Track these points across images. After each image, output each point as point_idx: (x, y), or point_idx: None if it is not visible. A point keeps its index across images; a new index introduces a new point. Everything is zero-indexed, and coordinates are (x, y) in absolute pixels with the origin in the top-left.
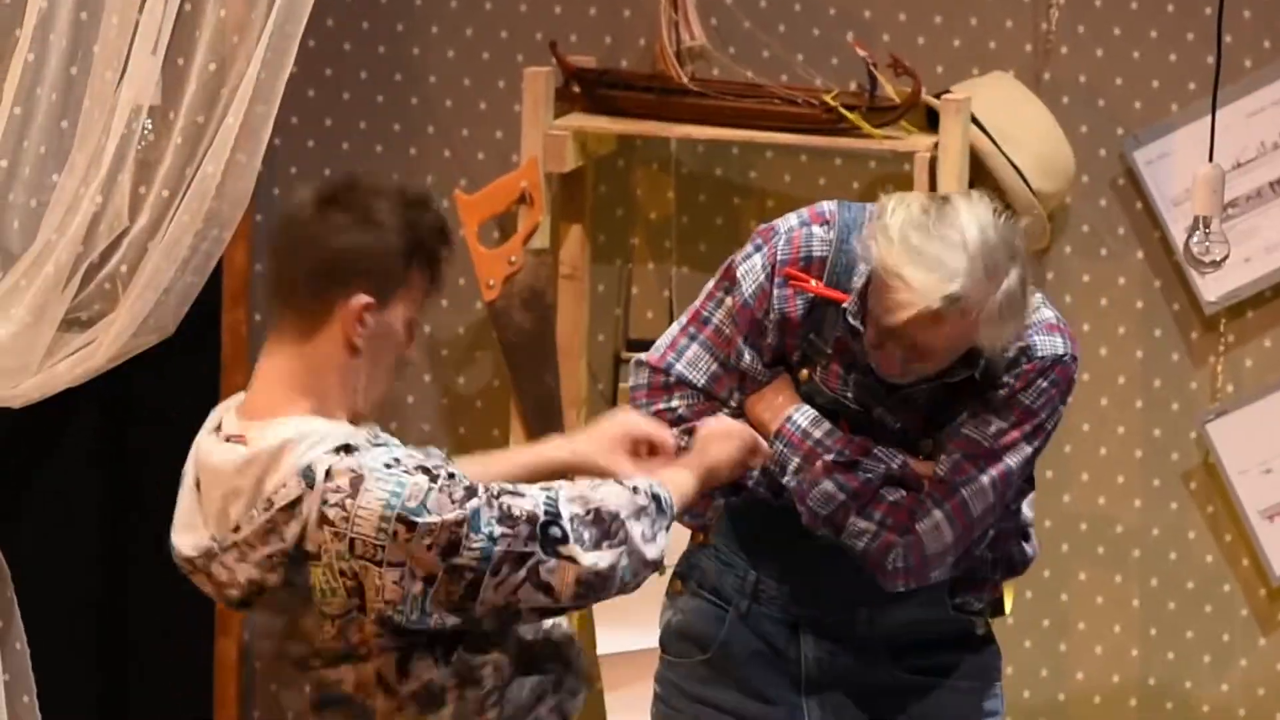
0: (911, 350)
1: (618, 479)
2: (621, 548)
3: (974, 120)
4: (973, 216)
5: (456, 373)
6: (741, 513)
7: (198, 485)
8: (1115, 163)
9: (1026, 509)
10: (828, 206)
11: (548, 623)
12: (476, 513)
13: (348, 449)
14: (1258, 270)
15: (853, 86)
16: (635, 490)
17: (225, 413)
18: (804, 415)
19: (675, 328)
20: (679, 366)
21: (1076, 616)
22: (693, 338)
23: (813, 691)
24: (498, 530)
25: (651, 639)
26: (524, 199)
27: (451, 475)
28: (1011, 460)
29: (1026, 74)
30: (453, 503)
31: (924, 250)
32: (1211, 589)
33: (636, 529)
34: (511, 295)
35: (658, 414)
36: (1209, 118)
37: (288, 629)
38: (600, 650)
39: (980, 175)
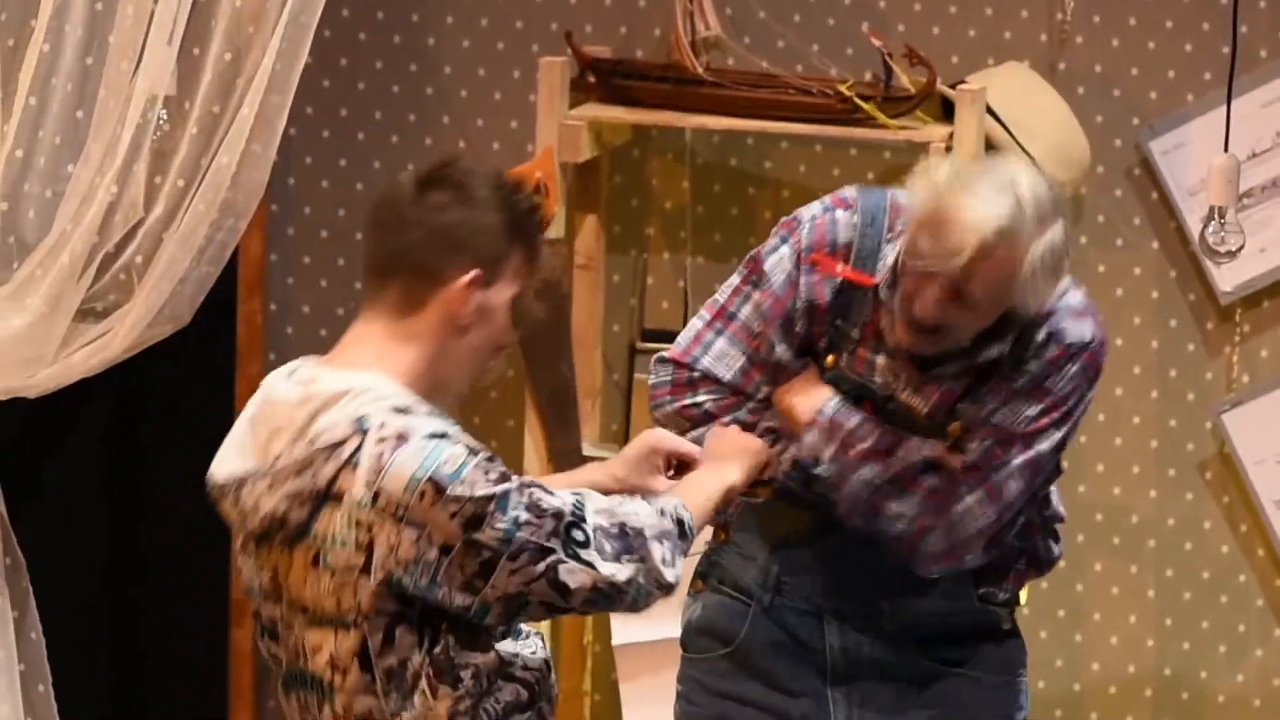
0: (953, 296)
1: (648, 498)
2: (640, 565)
3: (989, 110)
4: (1021, 168)
5: None
6: (761, 507)
7: (253, 421)
8: (1130, 153)
9: (1058, 504)
10: (850, 192)
11: (528, 648)
12: (506, 495)
13: (405, 410)
14: (1273, 260)
15: (868, 77)
16: (662, 512)
17: (304, 362)
18: (835, 406)
19: (698, 323)
20: (705, 361)
21: (1092, 607)
22: (719, 332)
23: (839, 682)
24: (524, 517)
25: (667, 630)
26: (539, 189)
27: (491, 458)
28: (1042, 446)
29: (1042, 64)
30: (486, 479)
31: (975, 188)
32: (1227, 579)
33: (657, 550)
34: (527, 286)
35: (682, 410)
36: (1224, 108)
37: (286, 578)
38: (615, 641)
39: None
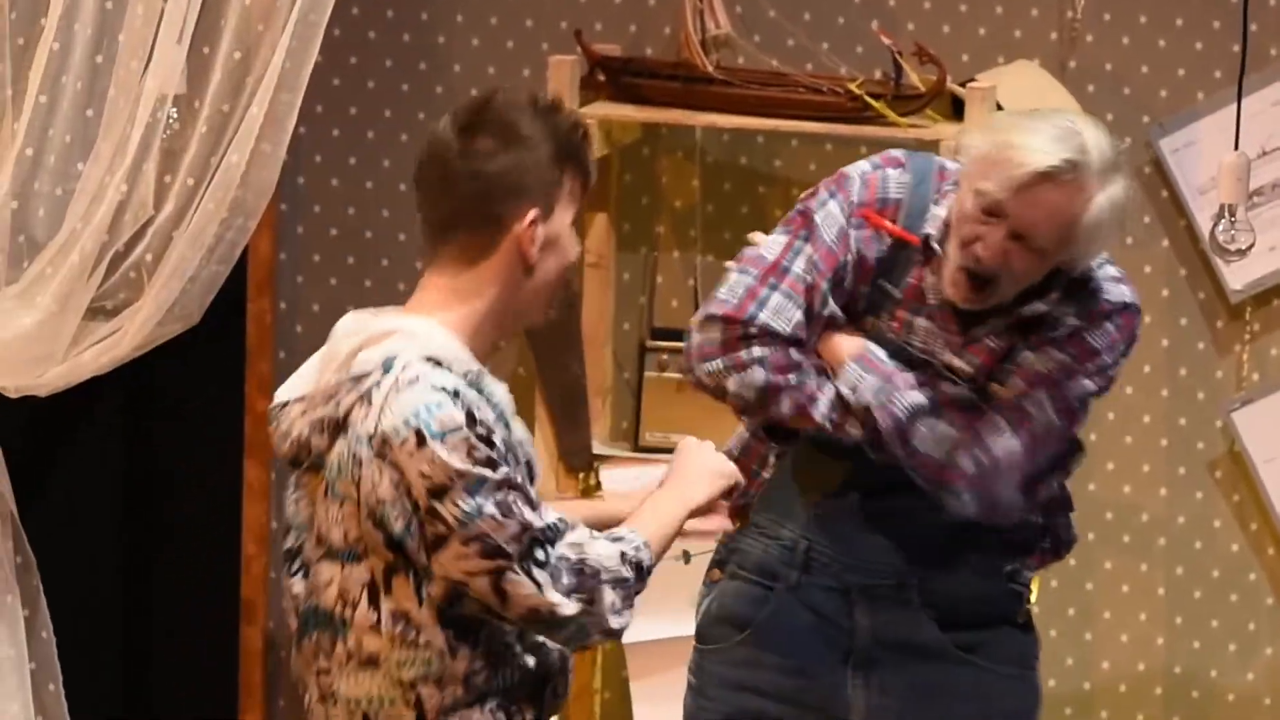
0: (1016, 237)
1: (616, 527)
2: (588, 607)
3: (999, 108)
4: (1082, 119)
5: None
6: (786, 482)
7: (321, 354)
8: (1141, 151)
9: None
10: (899, 151)
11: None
12: (481, 482)
13: (438, 362)
14: None
15: (878, 75)
16: (622, 556)
17: (385, 309)
18: (879, 349)
19: (747, 279)
20: (763, 316)
21: (1102, 605)
22: (773, 287)
23: (860, 665)
24: (488, 509)
25: (678, 628)
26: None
27: (490, 441)
28: (1073, 390)
29: (1052, 62)
30: (469, 455)
31: (1039, 126)
32: (1237, 578)
33: (608, 597)
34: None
35: (737, 364)
36: (1234, 106)
37: (313, 506)
38: (626, 639)
39: None
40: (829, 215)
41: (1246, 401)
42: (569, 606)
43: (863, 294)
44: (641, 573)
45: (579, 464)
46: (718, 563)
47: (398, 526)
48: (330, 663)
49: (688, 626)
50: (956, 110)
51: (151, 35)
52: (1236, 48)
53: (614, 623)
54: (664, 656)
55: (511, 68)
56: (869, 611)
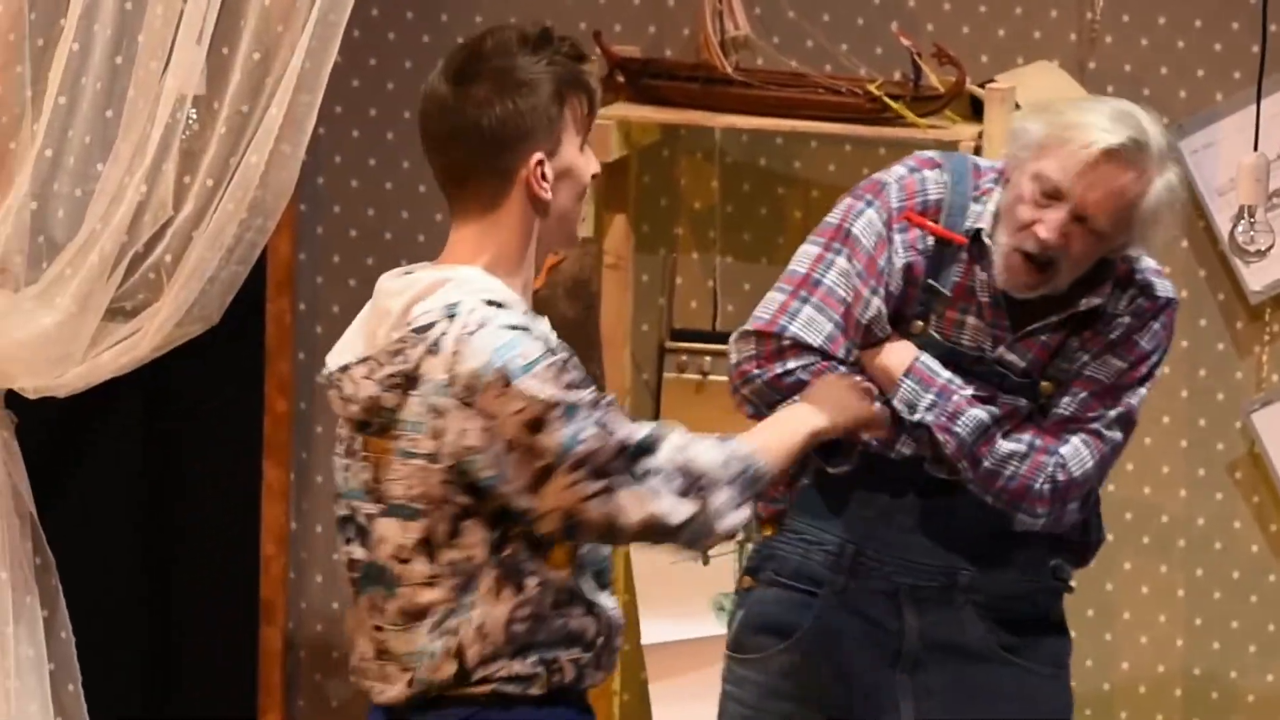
0: (1077, 218)
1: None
2: (700, 509)
3: (1018, 109)
4: (1136, 107)
5: None
6: (830, 487)
7: (364, 317)
8: None
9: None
10: (933, 152)
11: (611, 604)
12: (574, 407)
13: (497, 303)
14: None
15: (897, 76)
16: (729, 458)
17: (417, 266)
18: (928, 358)
19: (779, 295)
20: (794, 328)
21: (1122, 606)
22: (804, 300)
23: (908, 668)
24: (588, 432)
25: (697, 630)
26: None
27: (569, 361)
28: (1132, 400)
29: (1071, 63)
30: (557, 382)
31: (1102, 104)
32: (1257, 579)
33: (720, 497)
34: (556, 285)
35: (774, 380)
36: (1254, 107)
37: (379, 467)
38: (645, 640)
39: None
40: (867, 225)
41: (1266, 402)
42: (681, 512)
43: (911, 297)
44: (749, 473)
45: None
46: (750, 570)
47: (487, 474)
48: (383, 619)
49: (707, 628)
50: (975, 111)
51: (171, 36)
52: (1256, 49)
53: (724, 524)
54: (683, 658)
55: None
56: (917, 613)
